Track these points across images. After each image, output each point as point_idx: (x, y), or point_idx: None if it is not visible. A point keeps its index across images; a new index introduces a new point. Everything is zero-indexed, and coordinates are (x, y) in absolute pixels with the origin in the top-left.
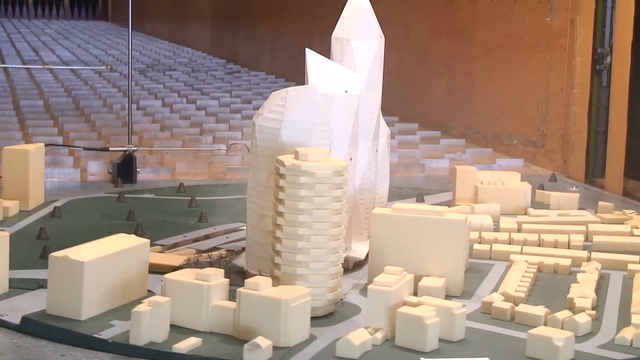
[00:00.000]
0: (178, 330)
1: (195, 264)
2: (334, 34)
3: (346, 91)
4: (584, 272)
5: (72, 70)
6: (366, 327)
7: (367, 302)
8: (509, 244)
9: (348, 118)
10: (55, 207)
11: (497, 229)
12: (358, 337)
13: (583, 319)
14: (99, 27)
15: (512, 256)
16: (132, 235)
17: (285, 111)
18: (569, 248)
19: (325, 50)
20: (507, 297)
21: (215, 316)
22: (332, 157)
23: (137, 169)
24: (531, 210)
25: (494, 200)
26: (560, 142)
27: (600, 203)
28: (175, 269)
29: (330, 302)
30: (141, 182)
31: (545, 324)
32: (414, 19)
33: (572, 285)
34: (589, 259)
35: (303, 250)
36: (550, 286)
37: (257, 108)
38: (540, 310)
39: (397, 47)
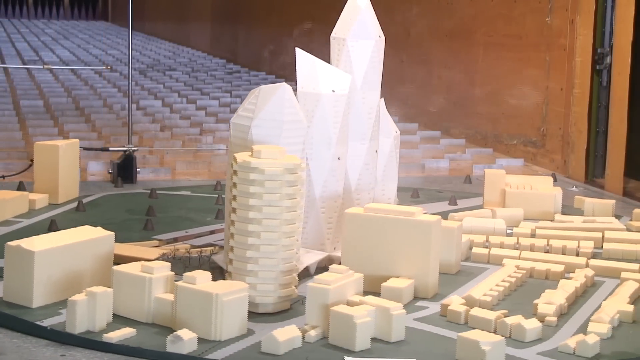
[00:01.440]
0: (121, 321)
1: (171, 259)
2: (332, 34)
3: (333, 90)
4: (570, 278)
5: (72, 70)
6: (305, 325)
7: (307, 299)
8: (517, 249)
9: (335, 117)
10: (79, 201)
11: (512, 233)
12: (284, 333)
13: (531, 325)
14: (99, 27)
15: (505, 260)
16: (98, 228)
17: (256, 109)
18: (577, 255)
19: (325, 50)
20: (470, 301)
21: (156, 308)
22: (289, 155)
23: (137, 169)
24: (557, 216)
25: (522, 204)
26: (560, 142)
27: (636, 211)
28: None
29: (283, 299)
30: (142, 182)
31: (495, 329)
32: (414, 19)
33: (547, 291)
34: (587, 266)
35: (253, 246)
36: (531, 291)
37: None
38: (491, 315)
39: (397, 47)
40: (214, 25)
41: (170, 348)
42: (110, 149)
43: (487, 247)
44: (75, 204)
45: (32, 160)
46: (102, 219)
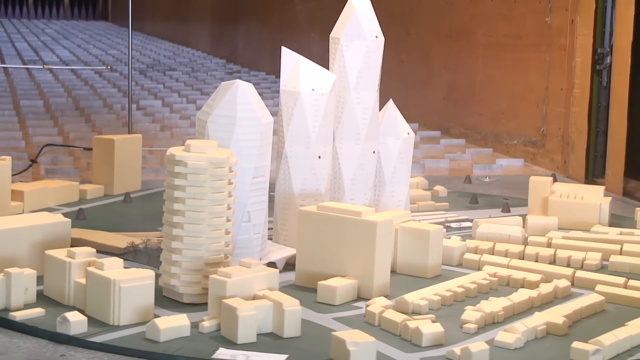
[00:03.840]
0: (48, 302)
1: (135, 249)
2: (330, 34)
3: (313, 89)
4: (536, 289)
5: (72, 70)
6: (205, 316)
7: (209, 291)
8: (522, 258)
9: (314, 116)
10: (126, 194)
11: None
12: (168, 322)
13: (429, 329)
14: (99, 27)
15: (485, 267)
16: (58, 215)
17: (213, 105)
18: (581, 268)
19: (325, 50)
20: (402, 305)
21: (75, 292)
22: (221, 149)
23: None
24: (596, 227)
25: (565, 213)
26: (560, 142)
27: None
28: (122, 251)
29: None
30: (143, 182)
31: (400, 332)
32: (414, 19)
33: (491, 298)
34: (573, 278)
35: (178, 237)
36: (486, 298)
37: None
38: (398, 318)
39: (397, 47)
40: (214, 25)
41: (59, 329)
42: None
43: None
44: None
45: (32, 161)
46: (137, 212)
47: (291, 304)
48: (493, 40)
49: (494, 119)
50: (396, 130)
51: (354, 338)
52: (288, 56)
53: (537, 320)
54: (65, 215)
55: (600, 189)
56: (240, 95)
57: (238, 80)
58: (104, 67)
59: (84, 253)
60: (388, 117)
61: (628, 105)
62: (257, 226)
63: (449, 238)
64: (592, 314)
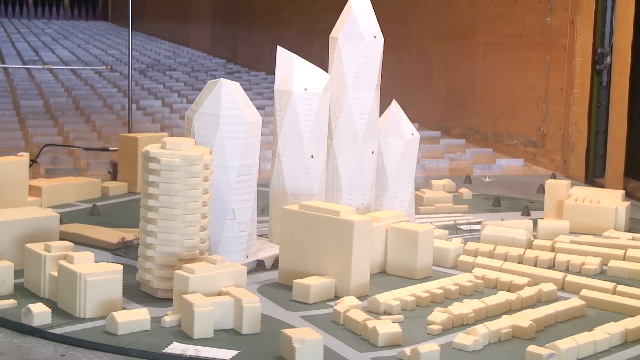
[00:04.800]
0: (25, 294)
1: (126, 244)
2: (330, 34)
3: (305, 89)
4: (516, 292)
5: (72, 70)
6: (169, 311)
7: (174, 287)
8: (521, 261)
9: (307, 115)
10: None
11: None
12: (128, 315)
13: (386, 329)
14: (99, 27)
15: (474, 270)
16: (48, 210)
17: (199, 103)
18: (579, 272)
19: (325, 50)
20: (374, 305)
21: (50, 284)
22: (199, 146)
23: None
24: (610, 232)
25: (581, 217)
26: (560, 142)
27: None
28: (115, 246)
29: None
30: None
31: (360, 332)
32: (414, 19)
33: (465, 300)
34: (563, 282)
35: (152, 233)
36: (470, 300)
37: (257, 108)
38: (360, 317)
39: (397, 47)
40: (214, 25)
41: (24, 320)
42: (110, 149)
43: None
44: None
45: (32, 161)
46: None
47: (250, 301)
48: (493, 40)
49: (494, 119)
50: (399, 131)
51: (301, 335)
52: (283, 55)
53: (503, 323)
54: (80, 211)
55: (619, 193)
56: (224, 93)
57: (222, 79)
58: (104, 67)
59: (60, 247)
60: (391, 118)
61: (628, 105)
62: (242, 224)
63: (451, 240)
64: (570, 318)
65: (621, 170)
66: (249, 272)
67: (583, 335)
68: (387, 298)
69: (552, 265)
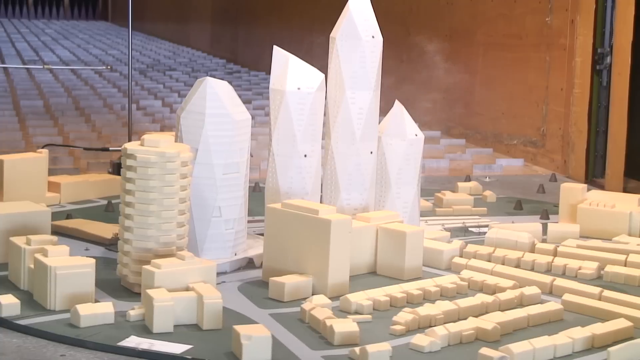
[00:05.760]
0: (6, 287)
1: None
2: (330, 34)
3: (299, 88)
4: (497, 295)
5: (72, 70)
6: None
7: (142, 281)
8: (518, 265)
9: (300, 115)
10: None
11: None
12: (92, 309)
13: (341, 328)
14: (99, 27)
15: (463, 272)
16: (41, 205)
17: (187, 101)
18: (575, 276)
19: (326, 50)
20: (345, 304)
21: (29, 277)
22: (178, 144)
23: None
24: (621, 237)
25: (595, 222)
26: (560, 142)
27: None
28: (109, 241)
29: None
30: None
31: (321, 330)
32: (414, 19)
33: (437, 302)
34: (551, 286)
35: (129, 229)
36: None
37: (257, 108)
38: (322, 315)
39: (397, 47)
40: (214, 25)
41: None
42: (110, 149)
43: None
44: None
45: None
46: None
47: (212, 297)
48: (493, 40)
49: (494, 119)
50: (402, 131)
51: (250, 332)
52: (279, 55)
53: (466, 325)
54: (97, 207)
55: (636, 197)
56: (209, 92)
57: (208, 77)
58: (104, 67)
59: (40, 240)
60: (394, 118)
61: (628, 105)
62: (229, 221)
63: (451, 242)
64: (546, 322)
65: (621, 170)
66: (238, 269)
67: (542, 339)
68: (360, 298)
69: (549, 269)
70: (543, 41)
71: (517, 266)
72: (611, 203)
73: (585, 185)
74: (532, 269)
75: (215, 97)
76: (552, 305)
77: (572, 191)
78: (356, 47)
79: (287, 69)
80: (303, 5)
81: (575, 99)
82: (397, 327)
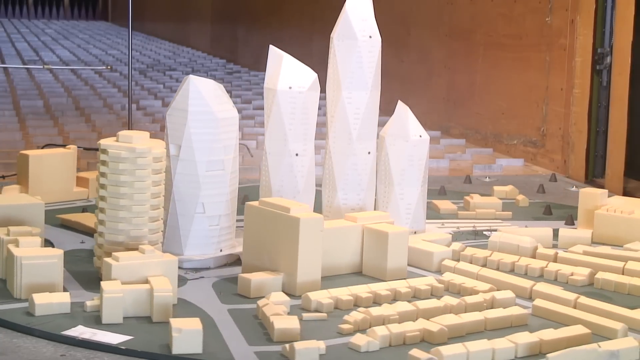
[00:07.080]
0: None
1: None
2: (330, 34)
3: (290, 87)
4: (464, 298)
5: (72, 70)
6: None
7: (103, 275)
8: (512, 269)
9: (291, 114)
10: None
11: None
12: (48, 298)
13: (282, 324)
14: (99, 27)
15: (446, 273)
16: (34, 197)
17: (173, 100)
18: (567, 282)
19: (325, 50)
20: (306, 302)
21: (4, 266)
22: (154, 140)
23: None
24: (633, 244)
25: (612, 228)
26: (560, 142)
27: None
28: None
29: None
30: None
31: (271, 327)
32: (414, 19)
33: (397, 303)
34: (531, 291)
35: (102, 222)
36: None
37: (257, 108)
38: (270, 311)
39: (397, 47)
40: (214, 25)
41: None
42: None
43: (456, 261)
44: None
45: None
46: None
47: (162, 290)
48: (493, 40)
49: (494, 119)
50: (405, 132)
51: (182, 325)
52: (274, 54)
53: (412, 326)
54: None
55: None
56: (192, 90)
57: (191, 76)
58: (104, 67)
59: (20, 232)
60: (396, 119)
61: (628, 105)
62: (213, 218)
63: (450, 244)
64: (507, 327)
65: (621, 170)
66: (223, 265)
67: (478, 343)
68: (321, 296)
69: (541, 275)
70: (543, 41)
71: (512, 271)
72: (630, 209)
73: (606, 191)
74: (525, 274)
75: (198, 95)
76: (516, 309)
77: (592, 196)
78: (353, 47)
79: (280, 68)
80: (303, 6)
81: (575, 99)
82: (345, 326)
